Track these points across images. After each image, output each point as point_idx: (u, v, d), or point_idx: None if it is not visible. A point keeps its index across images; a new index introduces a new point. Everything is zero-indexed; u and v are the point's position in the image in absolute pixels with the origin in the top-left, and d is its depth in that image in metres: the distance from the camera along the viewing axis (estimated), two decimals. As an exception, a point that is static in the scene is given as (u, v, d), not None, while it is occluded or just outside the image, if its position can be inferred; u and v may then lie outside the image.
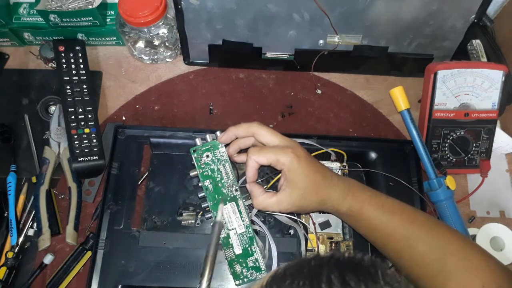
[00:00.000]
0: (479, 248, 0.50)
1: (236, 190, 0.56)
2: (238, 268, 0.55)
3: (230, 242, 0.55)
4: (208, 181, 0.56)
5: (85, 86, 0.68)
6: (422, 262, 0.50)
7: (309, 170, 0.52)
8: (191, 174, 0.57)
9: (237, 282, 0.56)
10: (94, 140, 0.65)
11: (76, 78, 0.68)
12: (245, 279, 0.55)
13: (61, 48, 0.70)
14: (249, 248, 0.55)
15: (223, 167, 0.56)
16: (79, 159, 0.64)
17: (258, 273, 0.55)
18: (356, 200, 0.52)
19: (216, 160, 0.56)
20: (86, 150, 0.64)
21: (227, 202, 0.56)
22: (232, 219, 0.56)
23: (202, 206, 0.57)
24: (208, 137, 0.57)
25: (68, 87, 0.67)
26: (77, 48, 0.70)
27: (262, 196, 0.53)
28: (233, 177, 0.56)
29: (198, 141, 0.57)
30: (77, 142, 0.64)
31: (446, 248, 0.49)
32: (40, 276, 0.61)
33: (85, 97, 0.68)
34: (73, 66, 0.69)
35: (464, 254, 0.48)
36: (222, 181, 0.56)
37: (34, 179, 0.65)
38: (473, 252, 0.48)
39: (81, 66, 0.69)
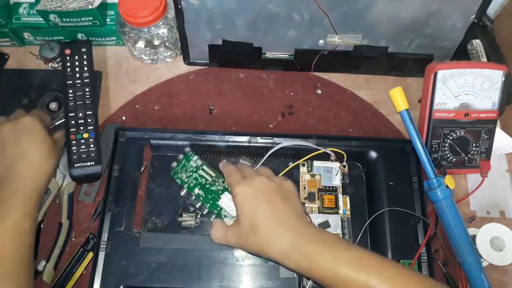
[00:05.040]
0: None
1: (223, 181, 0.60)
2: None
3: None
4: (196, 189, 0.60)
5: (87, 89, 0.67)
6: None
7: (252, 209, 0.49)
8: (182, 194, 0.62)
9: (266, 261, 0.58)
10: (92, 146, 0.64)
11: (79, 81, 0.68)
12: None
13: (68, 51, 0.69)
14: None
15: (202, 171, 0.61)
16: (75, 165, 0.63)
17: None
18: (304, 257, 0.46)
19: (194, 169, 0.61)
20: (83, 156, 0.64)
21: (220, 194, 0.59)
22: (232, 207, 0.58)
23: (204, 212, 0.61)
24: (181, 155, 0.62)
25: (70, 91, 0.67)
26: (82, 50, 0.70)
27: (214, 228, 0.55)
28: (214, 173, 0.61)
29: (174, 163, 0.62)
30: (75, 147, 0.64)
31: None
32: (38, 279, 0.61)
33: (87, 100, 0.67)
34: (77, 69, 0.68)
35: None
36: (208, 182, 0.60)
37: None
38: None
39: (85, 68, 0.69)
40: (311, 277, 0.47)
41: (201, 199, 0.60)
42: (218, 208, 0.59)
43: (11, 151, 0.57)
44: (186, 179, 0.61)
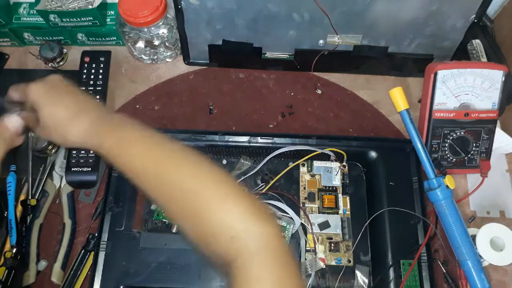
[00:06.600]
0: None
1: None
2: None
3: None
4: None
5: (98, 96, 0.69)
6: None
7: (50, 102, 0.48)
8: (174, 230, 0.60)
9: None
10: (91, 152, 0.65)
11: (92, 88, 0.69)
12: None
13: (87, 59, 0.71)
14: None
15: None
16: (72, 169, 0.64)
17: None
18: (96, 137, 0.46)
19: None
20: (81, 161, 0.64)
21: None
22: None
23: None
24: None
25: None
26: (101, 59, 0.72)
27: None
28: None
29: (153, 206, 0.61)
30: (75, 151, 0.65)
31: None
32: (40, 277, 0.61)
33: None
34: (92, 77, 0.70)
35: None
36: None
37: (34, 202, 0.64)
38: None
39: (100, 77, 0.70)
40: (106, 158, 0.46)
41: None
42: None
43: None
44: None
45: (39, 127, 0.49)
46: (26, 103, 0.50)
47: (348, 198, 0.65)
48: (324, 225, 0.62)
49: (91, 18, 0.70)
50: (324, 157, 0.65)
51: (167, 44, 0.73)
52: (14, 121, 0.50)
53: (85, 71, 0.71)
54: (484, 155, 0.67)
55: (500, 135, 0.68)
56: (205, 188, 0.42)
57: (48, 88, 0.49)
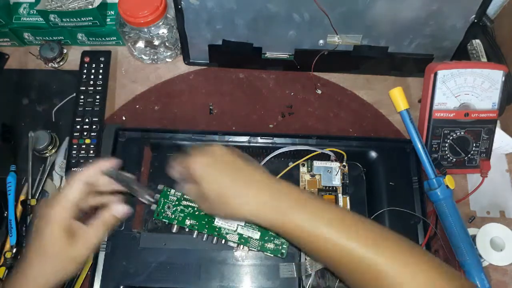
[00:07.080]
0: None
1: None
2: (271, 245, 0.57)
3: (246, 236, 0.57)
4: (187, 220, 0.58)
5: (98, 97, 0.69)
6: None
7: (217, 178, 0.46)
8: (174, 230, 0.59)
9: (282, 255, 0.58)
10: (91, 152, 0.65)
11: (92, 88, 0.70)
12: (284, 245, 0.57)
13: (87, 59, 0.72)
14: None
15: (185, 200, 0.59)
16: (72, 169, 0.64)
17: None
18: (277, 215, 0.44)
19: (176, 203, 0.59)
20: (81, 161, 0.64)
21: (214, 219, 0.58)
22: (230, 222, 0.58)
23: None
24: (157, 195, 0.59)
25: (82, 96, 0.69)
26: (101, 59, 0.72)
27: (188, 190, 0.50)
28: None
29: (154, 206, 0.59)
30: (75, 152, 0.65)
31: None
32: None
33: (96, 107, 0.69)
34: (92, 77, 0.71)
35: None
36: (196, 209, 0.59)
37: (34, 202, 0.64)
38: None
39: (100, 77, 0.71)
40: (284, 235, 0.45)
41: (196, 227, 0.58)
42: (217, 229, 0.58)
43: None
44: (173, 215, 0.59)
45: (200, 200, 0.48)
46: (186, 176, 0.48)
47: (348, 198, 0.64)
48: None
49: (91, 18, 0.70)
50: (324, 157, 0.65)
51: (167, 44, 0.73)
52: (121, 210, 0.48)
53: (85, 71, 0.71)
54: (484, 155, 0.67)
55: (500, 135, 0.68)
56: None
57: (211, 161, 0.47)
